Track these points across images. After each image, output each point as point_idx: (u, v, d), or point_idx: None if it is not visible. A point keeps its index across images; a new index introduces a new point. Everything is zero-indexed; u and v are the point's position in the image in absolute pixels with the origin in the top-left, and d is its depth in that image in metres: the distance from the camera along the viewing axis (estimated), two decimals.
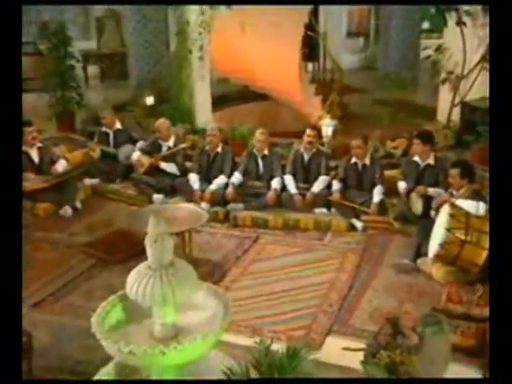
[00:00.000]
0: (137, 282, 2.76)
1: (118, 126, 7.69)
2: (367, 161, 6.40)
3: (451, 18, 7.30)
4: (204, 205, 6.34)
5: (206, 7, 8.07)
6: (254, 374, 2.75)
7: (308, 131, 6.63)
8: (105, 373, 3.05)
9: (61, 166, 6.89)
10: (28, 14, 12.64)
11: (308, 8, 9.02)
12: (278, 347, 2.91)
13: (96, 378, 3.03)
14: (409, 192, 6.00)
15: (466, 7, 7.21)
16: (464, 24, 7.23)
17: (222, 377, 2.73)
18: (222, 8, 8.32)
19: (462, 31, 7.28)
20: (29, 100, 10.00)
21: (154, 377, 2.90)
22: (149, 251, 2.80)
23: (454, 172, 5.44)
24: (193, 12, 8.19)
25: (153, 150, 7.22)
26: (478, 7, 7.21)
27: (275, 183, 6.55)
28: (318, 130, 6.95)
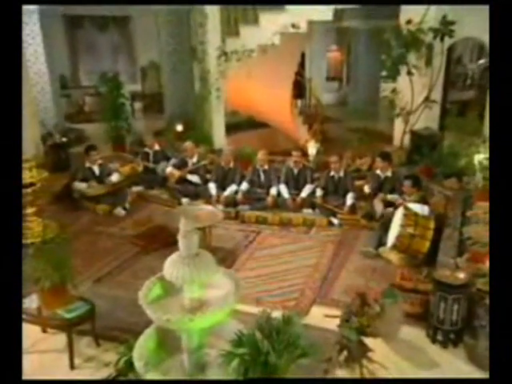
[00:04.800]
0: (171, 266, 2.76)
1: (157, 147, 7.70)
2: (342, 173, 6.40)
3: (403, 69, 7.31)
4: (220, 206, 6.33)
5: (222, 60, 8.10)
6: (258, 335, 2.75)
7: (294, 153, 6.64)
8: (148, 333, 3.05)
9: (115, 177, 6.93)
10: (90, 65, 12.76)
11: (297, 62, 9.00)
12: (276, 314, 2.92)
13: (142, 337, 3.01)
14: (373, 197, 6.02)
15: (413, 62, 7.23)
16: (412, 74, 7.26)
17: (235, 337, 2.72)
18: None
19: (410, 79, 7.30)
20: (92, 129, 10.05)
21: (184, 337, 2.89)
22: (180, 244, 2.80)
23: (407, 182, 5.46)
24: (212, 64, 8.24)
25: (181, 165, 7.21)
26: (422, 63, 7.27)
27: (273, 190, 6.55)
28: (302, 151, 6.91)
